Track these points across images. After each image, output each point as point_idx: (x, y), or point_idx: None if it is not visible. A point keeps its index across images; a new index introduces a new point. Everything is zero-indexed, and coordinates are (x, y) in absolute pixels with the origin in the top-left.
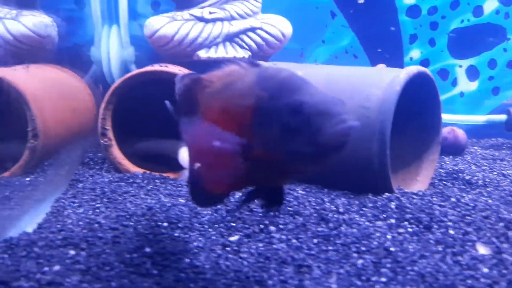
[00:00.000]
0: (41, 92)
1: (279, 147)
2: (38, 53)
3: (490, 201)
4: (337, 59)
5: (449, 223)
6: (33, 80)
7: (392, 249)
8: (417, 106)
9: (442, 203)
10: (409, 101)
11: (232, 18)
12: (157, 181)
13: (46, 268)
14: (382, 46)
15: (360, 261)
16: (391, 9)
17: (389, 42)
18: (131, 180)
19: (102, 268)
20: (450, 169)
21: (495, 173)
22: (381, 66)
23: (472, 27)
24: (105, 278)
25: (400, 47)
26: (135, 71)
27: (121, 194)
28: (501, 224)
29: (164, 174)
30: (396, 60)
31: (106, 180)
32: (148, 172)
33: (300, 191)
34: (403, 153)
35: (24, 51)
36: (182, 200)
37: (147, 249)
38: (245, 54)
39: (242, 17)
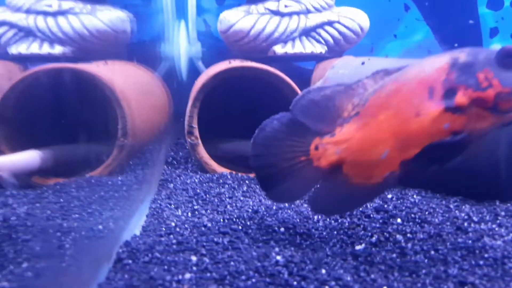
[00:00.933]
0: (127, 89)
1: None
2: (113, 49)
3: None
4: (409, 55)
5: None
6: (118, 77)
7: None
8: None
9: None
10: None
11: (308, 11)
12: (246, 181)
13: (179, 277)
14: (459, 41)
15: None
16: (470, 1)
17: (467, 37)
18: (221, 180)
19: (238, 278)
20: None
21: None
22: None
23: None
24: None
25: (479, 41)
26: (220, 67)
27: (215, 195)
28: None
29: (251, 175)
30: None
31: (196, 180)
32: (234, 173)
33: (415, 196)
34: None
35: (99, 47)
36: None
37: (278, 258)
38: (322, 49)
39: (317, 10)
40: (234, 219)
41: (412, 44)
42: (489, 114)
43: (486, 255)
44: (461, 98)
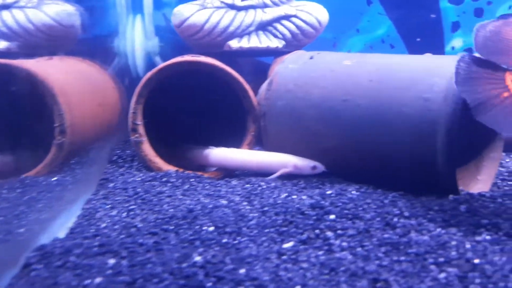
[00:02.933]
0: (67, 85)
1: None
2: (61, 44)
3: None
4: (372, 49)
5: None
6: (58, 73)
7: (476, 261)
8: None
9: None
10: None
11: (265, 5)
12: (192, 180)
13: (87, 281)
14: (421, 35)
15: (442, 275)
16: None
17: (429, 31)
18: (165, 179)
19: (150, 281)
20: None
21: None
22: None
23: None
24: None
25: (441, 35)
26: (165, 62)
27: (155, 194)
28: None
29: (199, 173)
30: (436, 49)
31: (138, 179)
32: (181, 170)
33: (354, 192)
34: (460, 149)
35: (45, 41)
36: (224, 201)
37: (197, 258)
38: (279, 43)
39: (275, 4)
40: (168, 219)
41: (375, 39)
42: None
43: (409, 251)
44: None
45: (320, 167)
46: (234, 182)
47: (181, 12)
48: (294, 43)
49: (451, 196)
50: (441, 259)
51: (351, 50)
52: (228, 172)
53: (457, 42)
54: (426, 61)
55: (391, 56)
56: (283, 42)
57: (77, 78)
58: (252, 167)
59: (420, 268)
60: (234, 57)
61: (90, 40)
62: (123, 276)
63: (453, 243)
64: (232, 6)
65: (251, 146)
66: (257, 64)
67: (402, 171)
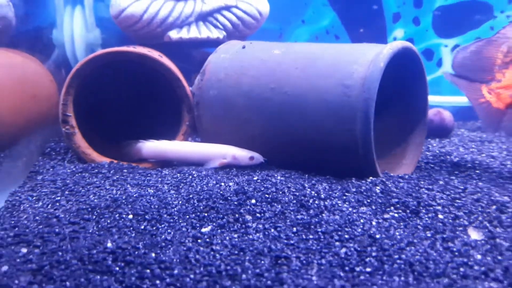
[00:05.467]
0: None
1: None
2: None
3: (480, 183)
4: (317, 40)
5: (438, 207)
6: None
7: (377, 236)
8: (402, 85)
9: (430, 187)
10: (393, 80)
11: None
12: (125, 171)
13: None
14: (364, 26)
15: (343, 250)
16: None
17: (371, 22)
18: (96, 170)
19: (56, 267)
20: (437, 152)
21: (483, 155)
22: None
23: (458, 4)
24: (59, 277)
25: (383, 26)
26: (97, 52)
27: (84, 185)
28: (494, 207)
29: (134, 164)
30: (379, 40)
31: (69, 171)
32: (115, 161)
33: (279, 177)
34: (387, 135)
35: None
36: (151, 190)
37: (109, 245)
38: (220, 34)
39: None
40: (90, 209)
41: (320, 29)
42: None
43: (318, 230)
44: None
45: (259, 158)
46: (165, 171)
47: (118, 2)
48: (235, 34)
49: (370, 178)
50: (346, 236)
51: (297, 41)
52: (165, 163)
53: (398, 32)
54: (348, 49)
55: (317, 45)
56: (224, 33)
57: (8, 71)
58: (192, 159)
59: (324, 245)
60: (184, 49)
61: (30, 32)
62: (31, 264)
63: (361, 221)
64: None
65: (186, 136)
66: (199, 54)
67: (326, 155)
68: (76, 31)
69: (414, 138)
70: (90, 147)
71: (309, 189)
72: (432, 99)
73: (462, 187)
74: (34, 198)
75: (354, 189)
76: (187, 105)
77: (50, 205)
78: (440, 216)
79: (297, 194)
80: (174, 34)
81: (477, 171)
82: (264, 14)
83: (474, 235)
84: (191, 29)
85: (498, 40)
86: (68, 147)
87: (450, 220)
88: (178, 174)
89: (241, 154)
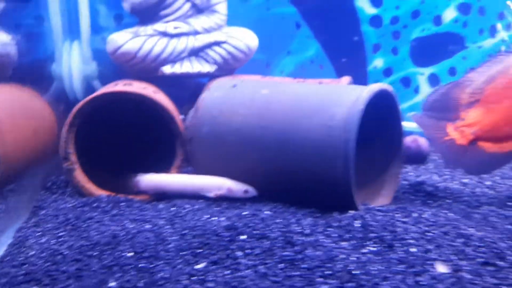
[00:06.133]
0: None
1: None
2: None
3: (450, 214)
4: (303, 69)
5: (411, 241)
6: None
7: (355, 272)
8: (381, 121)
9: (405, 219)
10: (372, 117)
11: (197, 32)
12: (122, 204)
13: None
14: (346, 56)
15: (324, 287)
16: (354, 20)
17: (353, 52)
18: (96, 204)
19: None
20: (413, 181)
21: (456, 182)
22: (346, 78)
23: (433, 35)
24: None
25: (364, 56)
26: (96, 93)
27: (85, 220)
28: (460, 240)
29: (130, 197)
30: (360, 69)
31: (70, 205)
32: (113, 194)
33: (267, 212)
34: (368, 168)
35: None
36: (148, 226)
37: (112, 284)
38: (211, 68)
39: (207, 31)
40: (92, 245)
41: (305, 60)
42: None
43: (302, 266)
44: None
45: (252, 191)
46: (161, 205)
47: (115, 40)
48: (226, 67)
49: (350, 212)
50: (328, 272)
51: (284, 70)
52: (161, 195)
53: (378, 62)
54: (332, 91)
55: (303, 86)
56: (215, 67)
57: (9, 105)
58: (188, 191)
59: (307, 282)
60: (180, 77)
61: (28, 65)
62: None
63: (342, 256)
64: (165, 34)
65: (180, 170)
66: (193, 85)
67: (311, 191)
68: (73, 65)
69: (392, 170)
70: (89, 181)
71: (295, 225)
72: (408, 125)
73: (433, 220)
74: (39, 233)
75: (335, 224)
76: (180, 140)
77: (54, 240)
78: (413, 250)
79: (284, 230)
80: (167, 69)
81: (448, 201)
82: (253, 48)
83: (441, 268)
84: (184, 64)
85: (464, 83)
86: (68, 180)
87: (421, 254)
88: (173, 208)
89: (236, 187)
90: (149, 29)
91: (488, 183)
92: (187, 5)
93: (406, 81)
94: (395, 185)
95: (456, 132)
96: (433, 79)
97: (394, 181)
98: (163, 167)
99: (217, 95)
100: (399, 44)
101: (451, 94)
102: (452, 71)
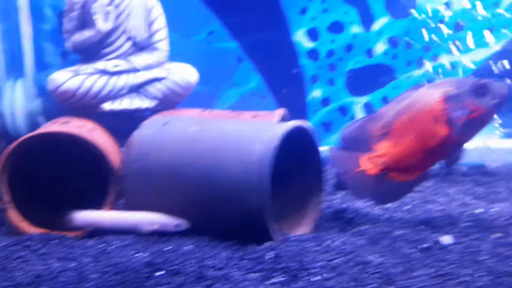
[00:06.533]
0: None
1: (473, 109)
2: None
3: (360, 241)
4: (245, 101)
5: (315, 270)
6: None
7: None
8: (303, 153)
9: (315, 248)
10: (294, 150)
11: (137, 69)
12: (54, 241)
13: None
14: (286, 87)
15: None
16: (293, 53)
17: (292, 84)
18: (27, 243)
19: None
20: (337, 208)
21: (377, 208)
22: (280, 111)
23: (366, 67)
24: None
25: (303, 87)
26: (29, 134)
27: (13, 260)
28: (357, 267)
29: (64, 233)
30: (300, 99)
31: (3, 244)
32: (46, 232)
33: (191, 246)
34: (290, 198)
35: None
36: (73, 264)
37: None
38: (151, 103)
39: (147, 67)
40: (14, 287)
41: (248, 91)
42: (473, 128)
43: None
44: (458, 121)
45: (184, 225)
46: (90, 242)
47: (55, 78)
48: (166, 102)
49: (266, 244)
50: None
51: (227, 102)
52: (95, 231)
53: (316, 92)
54: (254, 128)
55: (229, 123)
56: (155, 102)
57: None
58: (122, 227)
59: None
60: (111, 117)
61: None
62: None
63: None
64: (105, 72)
65: (113, 206)
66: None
67: (232, 224)
68: (17, 102)
69: (313, 199)
70: (24, 220)
71: (211, 259)
72: None
73: (341, 248)
74: None
75: (249, 256)
76: (114, 177)
77: None
78: (314, 279)
79: (199, 264)
80: (107, 106)
81: (365, 226)
82: (193, 83)
83: None
84: (124, 101)
85: (376, 117)
86: (4, 218)
87: (321, 282)
88: (102, 244)
89: (168, 221)
90: (90, 67)
91: (407, 207)
92: (128, 44)
93: (343, 110)
94: (316, 214)
95: (368, 163)
96: (368, 108)
97: (315, 210)
98: (98, 203)
99: (148, 133)
100: (335, 75)
101: (365, 127)
102: (385, 100)
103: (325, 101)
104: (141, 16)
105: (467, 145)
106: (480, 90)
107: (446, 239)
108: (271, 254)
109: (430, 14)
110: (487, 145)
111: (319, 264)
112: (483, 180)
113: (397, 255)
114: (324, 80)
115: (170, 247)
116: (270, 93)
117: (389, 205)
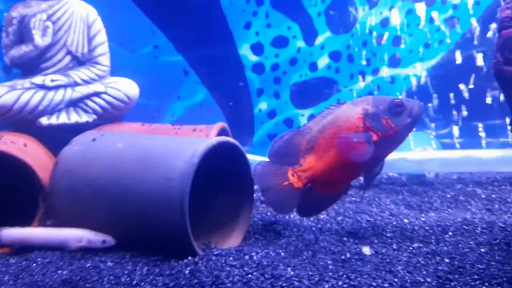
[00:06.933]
0: None
1: (390, 126)
2: None
3: (282, 254)
4: (192, 113)
5: (228, 285)
6: None
7: None
8: (233, 167)
9: (234, 262)
10: (226, 162)
11: (76, 84)
12: None
13: None
14: (233, 100)
15: None
16: (239, 66)
17: (239, 96)
18: None
19: None
20: (268, 220)
21: (310, 219)
22: (218, 125)
23: (310, 80)
24: None
25: (249, 100)
26: None
27: None
28: (269, 281)
29: None
30: (247, 112)
31: None
32: None
33: (109, 263)
34: (222, 210)
35: None
36: None
37: None
38: (89, 118)
39: (87, 82)
40: None
41: (194, 104)
42: (390, 144)
43: None
44: (375, 137)
45: (111, 241)
46: (14, 259)
47: None
48: (106, 116)
49: (188, 259)
50: None
51: (175, 114)
52: (24, 247)
53: (262, 105)
54: (178, 144)
55: (155, 139)
56: (94, 116)
57: None
58: (50, 243)
59: None
60: (48, 132)
61: None
62: None
63: None
64: (42, 86)
65: (42, 223)
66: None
67: (156, 240)
68: None
69: (243, 213)
70: None
71: (126, 276)
72: None
73: (260, 262)
74: None
75: (167, 272)
76: (42, 194)
77: None
78: None
79: (116, 281)
80: (44, 121)
81: (292, 239)
82: (133, 97)
83: None
84: (61, 115)
85: (304, 131)
86: None
87: None
88: (25, 261)
89: (95, 238)
90: (27, 82)
91: (340, 218)
92: (68, 58)
93: (289, 122)
94: (246, 227)
95: (294, 177)
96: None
97: (244, 224)
98: (28, 220)
99: (76, 149)
100: (280, 88)
101: (293, 141)
102: None
103: (271, 114)
104: (81, 31)
105: (405, 156)
106: (396, 109)
107: (366, 250)
108: (188, 270)
109: (370, 30)
110: (426, 155)
111: (234, 279)
112: (419, 190)
113: (314, 268)
114: (270, 93)
115: (89, 264)
116: (217, 105)
117: (322, 216)
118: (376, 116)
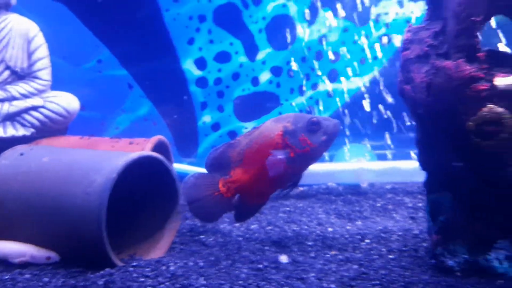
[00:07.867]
0: None
1: (307, 143)
2: None
3: (200, 264)
4: (137, 126)
5: None
6: None
7: None
8: (158, 180)
9: (149, 273)
10: (152, 176)
11: (14, 98)
12: None
13: None
14: (177, 113)
15: None
16: (182, 81)
17: (183, 110)
18: None
19: None
20: (198, 230)
21: (243, 229)
22: (155, 138)
23: (252, 94)
24: None
25: (193, 113)
26: None
27: None
28: None
29: None
30: (190, 125)
31: None
32: None
33: (27, 275)
34: (149, 222)
35: None
36: None
37: None
38: (27, 132)
39: (26, 96)
40: None
41: (139, 117)
42: (306, 160)
43: None
44: (292, 154)
45: (55, 257)
46: None
47: None
48: (45, 129)
49: (105, 270)
50: None
51: (120, 127)
52: None
53: (206, 118)
54: (100, 158)
55: (80, 153)
56: (32, 130)
57: None
58: None
59: None
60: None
61: None
62: None
63: None
64: None
65: None
66: None
67: (78, 252)
68: None
69: (169, 224)
70: None
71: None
72: None
73: (174, 272)
74: None
75: (82, 283)
76: None
77: None
78: None
79: None
80: None
81: (215, 248)
82: (73, 111)
83: None
84: None
85: (235, 144)
86: None
87: None
88: None
89: (38, 253)
90: None
91: (269, 227)
92: (7, 73)
93: (233, 135)
94: (171, 238)
95: (224, 187)
96: None
97: (170, 235)
98: None
99: (3, 163)
100: (223, 102)
101: (226, 153)
102: None
103: (215, 126)
104: (20, 46)
105: (343, 166)
106: (312, 127)
107: (284, 259)
108: (102, 281)
109: (309, 46)
110: (361, 166)
111: None
112: (353, 199)
113: (228, 277)
114: (213, 106)
115: (8, 276)
116: (162, 118)
117: (253, 226)
118: (294, 133)
